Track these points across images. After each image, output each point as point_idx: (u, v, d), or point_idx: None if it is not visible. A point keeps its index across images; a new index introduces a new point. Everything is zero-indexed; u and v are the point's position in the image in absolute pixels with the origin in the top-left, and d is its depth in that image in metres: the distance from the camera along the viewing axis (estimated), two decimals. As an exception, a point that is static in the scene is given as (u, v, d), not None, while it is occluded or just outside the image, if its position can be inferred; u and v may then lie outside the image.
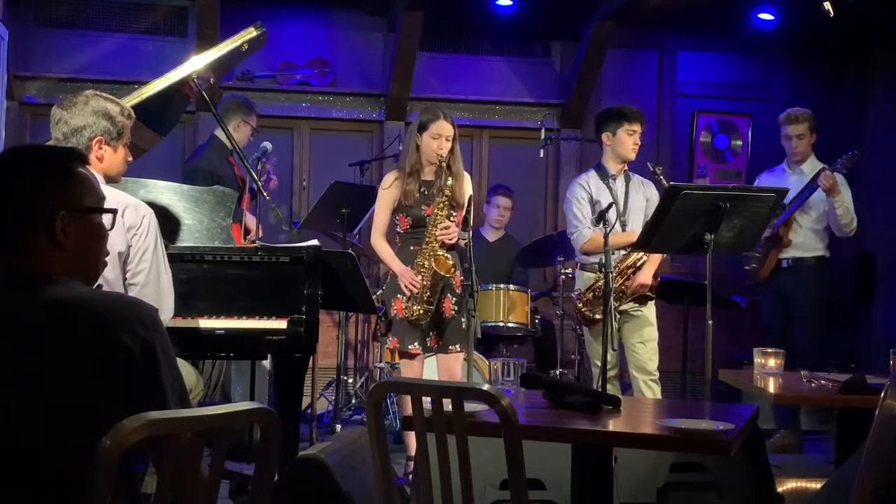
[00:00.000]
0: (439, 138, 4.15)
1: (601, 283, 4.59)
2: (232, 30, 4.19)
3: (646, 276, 4.54)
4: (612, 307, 4.14)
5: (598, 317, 4.60)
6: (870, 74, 7.03)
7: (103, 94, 3.08)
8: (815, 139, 5.41)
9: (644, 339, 4.62)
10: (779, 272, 5.36)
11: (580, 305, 4.65)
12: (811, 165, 5.36)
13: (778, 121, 5.47)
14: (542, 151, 5.78)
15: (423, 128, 4.18)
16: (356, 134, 6.82)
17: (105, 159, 3.02)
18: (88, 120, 2.98)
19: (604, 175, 4.69)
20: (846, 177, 5.29)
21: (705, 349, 3.88)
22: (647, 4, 6.17)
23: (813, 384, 3.32)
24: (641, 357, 4.61)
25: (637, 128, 4.63)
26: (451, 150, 4.16)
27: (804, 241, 5.32)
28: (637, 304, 4.61)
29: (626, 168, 4.71)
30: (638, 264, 4.55)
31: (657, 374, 4.63)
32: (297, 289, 3.54)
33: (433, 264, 4.06)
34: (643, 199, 4.67)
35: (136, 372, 1.67)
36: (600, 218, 4.21)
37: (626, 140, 4.62)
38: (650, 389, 4.59)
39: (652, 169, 4.46)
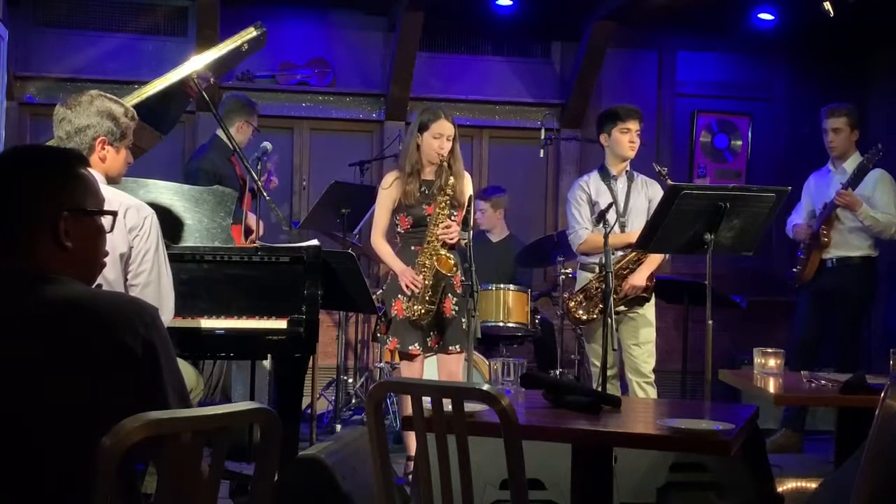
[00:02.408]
0: (440, 138, 4.15)
1: (593, 284, 4.60)
2: (232, 30, 4.19)
3: (638, 279, 4.52)
4: (611, 307, 4.13)
5: (585, 317, 4.61)
6: (870, 74, 7.03)
7: (107, 95, 3.08)
8: (858, 136, 5.27)
9: (640, 340, 4.61)
10: (823, 273, 5.22)
11: (571, 305, 4.65)
12: (853, 163, 5.20)
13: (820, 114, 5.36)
14: (542, 151, 5.78)
15: (423, 127, 4.18)
16: (356, 134, 6.82)
17: (107, 160, 3.02)
18: (92, 120, 2.99)
19: (605, 176, 4.68)
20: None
21: (705, 349, 3.88)
22: (647, 4, 6.17)
23: (813, 384, 3.32)
24: (637, 359, 4.60)
25: (631, 125, 4.61)
26: (452, 150, 4.16)
27: (848, 240, 5.18)
28: (632, 306, 4.60)
29: (628, 168, 4.70)
30: (633, 266, 4.54)
31: (652, 376, 4.61)
32: (297, 289, 3.54)
33: (435, 263, 4.06)
34: (645, 199, 4.65)
35: (137, 372, 1.67)
36: (600, 218, 4.20)
37: (621, 139, 4.62)
38: (644, 392, 4.58)
39: (657, 170, 4.47)
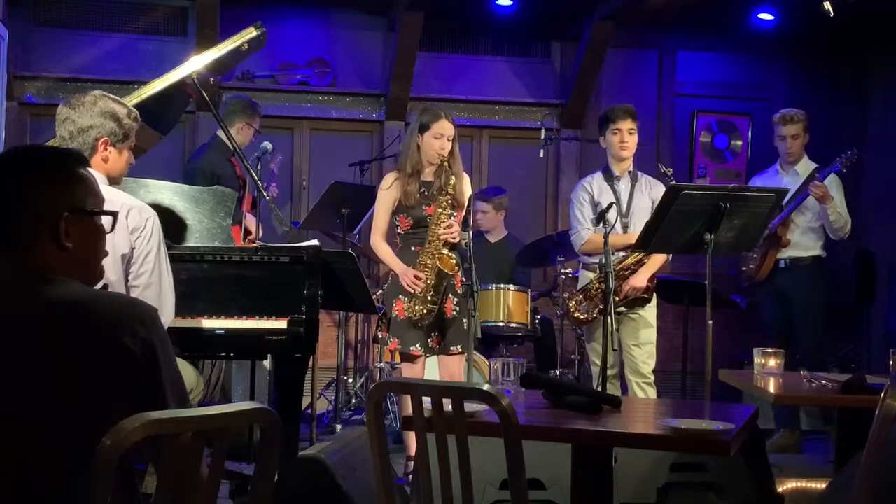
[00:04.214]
0: (441, 138, 4.15)
1: (593, 284, 4.60)
2: (232, 30, 4.19)
3: (639, 280, 4.52)
4: (611, 307, 4.12)
5: (583, 317, 4.61)
6: (870, 74, 7.03)
7: (110, 96, 3.08)
8: (808, 140, 5.40)
9: (640, 341, 4.61)
10: (777, 272, 5.35)
11: (570, 305, 4.66)
12: (805, 166, 5.35)
13: (772, 121, 5.46)
14: (542, 151, 5.78)
15: (424, 128, 4.18)
16: (356, 134, 6.82)
17: (110, 161, 3.02)
18: (96, 121, 2.98)
19: (609, 176, 4.69)
20: (844, 176, 5.28)
21: (705, 349, 3.88)
22: (647, 4, 6.17)
23: (813, 384, 3.32)
24: (636, 360, 4.60)
25: (621, 125, 4.60)
26: (451, 151, 4.16)
27: (801, 241, 5.31)
28: (633, 307, 4.60)
29: (632, 168, 4.69)
30: (635, 267, 4.54)
31: (652, 377, 4.61)
32: (297, 289, 3.54)
33: (437, 262, 4.06)
34: (649, 200, 4.64)
35: (137, 372, 1.67)
36: (600, 218, 4.20)
37: (613, 140, 4.63)
38: (643, 392, 4.58)
39: (662, 170, 4.47)
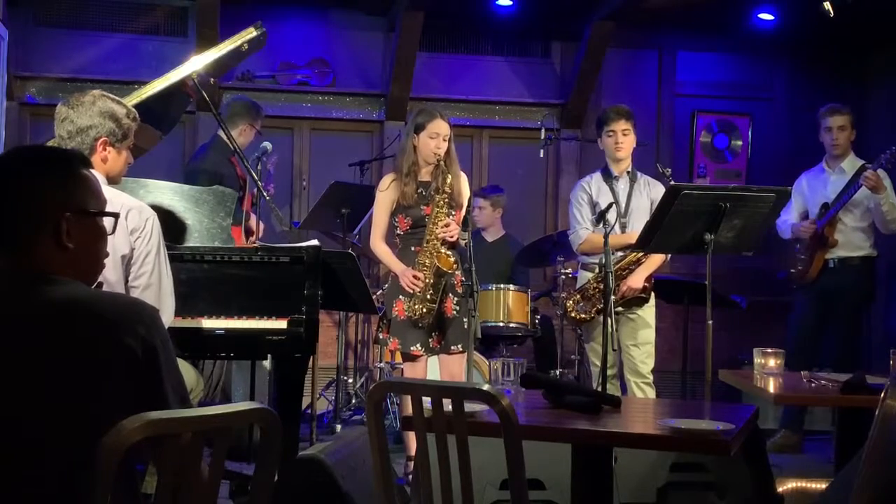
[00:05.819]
0: (437, 137, 4.16)
1: (591, 284, 4.61)
2: (232, 30, 4.19)
3: (635, 280, 4.52)
4: (611, 307, 4.12)
5: (583, 317, 4.62)
6: (870, 74, 7.03)
7: (110, 95, 3.08)
8: (855, 136, 5.31)
9: (638, 341, 4.61)
10: (825, 273, 5.25)
11: (568, 305, 4.66)
12: (851, 163, 5.25)
13: (818, 116, 5.35)
14: (542, 151, 5.78)
15: (420, 128, 4.19)
16: (356, 134, 6.82)
17: (109, 161, 3.02)
18: (95, 120, 2.98)
19: (608, 177, 4.69)
20: (889, 172, 5.20)
21: (705, 349, 3.88)
22: (647, 4, 6.17)
23: (813, 384, 3.32)
24: (635, 360, 4.60)
25: (615, 127, 4.60)
26: (448, 151, 4.17)
27: (849, 241, 5.22)
28: (631, 307, 4.60)
29: (630, 168, 4.69)
30: (633, 267, 4.54)
31: (651, 377, 4.61)
32: (297, 289, 3.54)
33: (435, 261, 4.06)
34: (647, 200, 4.64)
35: (138, 372, 1.67)
36: (600, 218, 4.20)
37: (608, 142, 4.65)
38: (642, 392, 4.58)
39: (661, 170, 4.47)
